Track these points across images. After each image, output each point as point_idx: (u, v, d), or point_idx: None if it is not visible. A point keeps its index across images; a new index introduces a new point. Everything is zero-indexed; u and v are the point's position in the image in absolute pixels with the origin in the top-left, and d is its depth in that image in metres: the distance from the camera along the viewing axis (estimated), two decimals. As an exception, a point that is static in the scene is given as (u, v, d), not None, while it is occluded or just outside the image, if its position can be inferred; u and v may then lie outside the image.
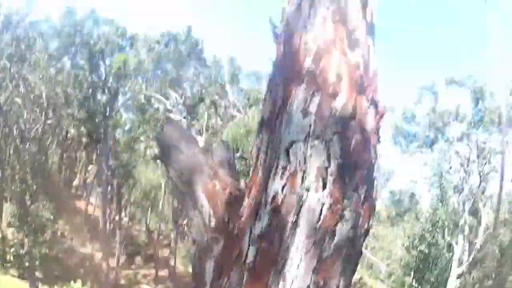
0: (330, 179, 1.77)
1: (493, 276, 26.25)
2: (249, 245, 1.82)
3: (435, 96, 30.56)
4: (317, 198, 1.75)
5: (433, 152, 31.07)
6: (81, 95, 32.24)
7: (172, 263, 41.88)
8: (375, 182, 1.99)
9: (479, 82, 27.39)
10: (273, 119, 1.96)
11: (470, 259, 25.97)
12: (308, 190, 1.77)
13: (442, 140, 30.98)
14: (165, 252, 48.94)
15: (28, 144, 28.92)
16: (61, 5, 39.45)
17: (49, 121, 40.90)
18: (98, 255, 40.71)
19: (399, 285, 24.48)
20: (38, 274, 31.31)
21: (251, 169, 2.10)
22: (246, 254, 1.83)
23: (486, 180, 28.56)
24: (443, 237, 23.46)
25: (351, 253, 1.83)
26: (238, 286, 1.84)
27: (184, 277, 45.70)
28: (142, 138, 40.12)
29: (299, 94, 1.90)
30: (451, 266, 25.90)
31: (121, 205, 45.85)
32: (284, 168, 1.83)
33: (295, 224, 1.75)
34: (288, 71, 2.01)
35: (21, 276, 32.36)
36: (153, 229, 53.91)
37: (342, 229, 1.76)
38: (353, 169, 1.82)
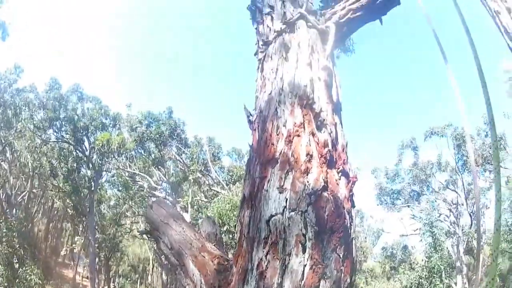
0: (308, 244, 1.96)
1: None
2: None
3: (415, 152, 31.39)
4: (298, 261, 1.93)
5: (420, 204, 31.46)
6: (66, 167, 32.16)
7: None
8: (353, 241, 2.21)
9: (458, 129, 28.28)
10: (253, 196, 2.21)
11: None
12: (289, 255, 1.95)
13: (427, 192, 31.48)
14: None
15: (14, 209, 28.24)
16: (46, 74, 40.23)
17: (34, 190, 40.47)
18: None
19: None
20: None
21: (237, 241, 2.30)
22: None
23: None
24: (441, 281, 23.12)
25: None
26: None
27: None
28: (128, 213, 39.83)
29: (274, 173, 2.17)
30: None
31: (109, 276, 44.63)
32: (266, 238, 2.04)
33: (280, 285, 1.91)
34: (263, 154, 2.29)
35: None
36: None
37: (325, 286, 1.92)
38: (329, 233, 2.02)
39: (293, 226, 2.02)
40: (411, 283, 22.28)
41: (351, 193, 2.37)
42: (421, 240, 24.29)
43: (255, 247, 2.07)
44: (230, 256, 2.50)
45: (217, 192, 28.62)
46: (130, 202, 36.00)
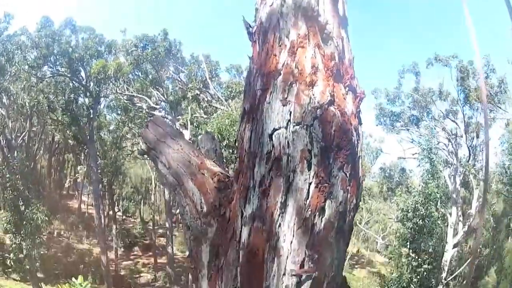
0: (314, 160, 1.86)
1: (489, 245, 26.92)
2: (242, 226, 1.94)
3: (417, 77, 31.02)
4: (303, 178, 1.84)
5: (419, 129, 31.64)
6: (63, 100, 32.10)
7: (169, 250, 42.24)
8: (360, 160, 2.11)
9: (464, 61, 27.84)
10: (255, 109, 2.07)
11: (466, 229, 26.65)
12: (294, 171, 1.86)
13: (427, 118, 31.55)
14: (162, 241, 49.45)
15: (15, 151, 28.65)
16: (38, 16, 38.99)
17: (34, 128, 40.72)
18: (96, 250, 41.07)
19: (397, 256, 24.74)
20: (39, 274, 31.59)
21: (238, 157, 2.20)
22: (240, 235, 1.94)
23: (475, 154, 29.31)
24: (437, 209, 23.83)
25: (342, 227, 1.93)
26: (235, 265, 1.97)
27: (182, 262, 46.11)
28: (128, 135, 40.17)
29: (277, 85, 2.01)
30: (446, 237, 26.56)
31: (113, 201, 46.07)
32: (269, 153, 1.93)
33: (284, 203, 1.84)
34: (265, 65, 2.11)
35: (23, 279, 32.82)
36: (148, 220, 54.16)
37: (331, 206, 1.85)
38: (335, 151, 1.91)
39: (297, 141, 1.90)
40: (408, 207, 22.83)
41: (358, 110, 2.22)
42: (419, 165, 24.62)
43: (257, 163, 1.97)
44: (230, 172, 2.41)
45: (216, 108, 28.74)
46: (130, 125, 36.45)
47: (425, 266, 22.15)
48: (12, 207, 24.74)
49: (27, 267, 26.30)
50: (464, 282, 27.43)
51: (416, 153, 28.18)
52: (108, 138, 41.33)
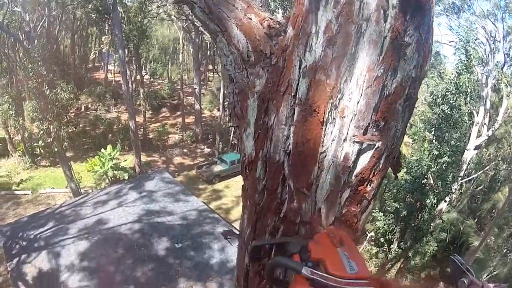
0: (391, 12, 1.50)
1: (508, 161, 26.91)
2: (299, 78, 1.62)
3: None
4: (378, 30, 1.50)
5: (459, 20, 29.87)
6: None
7: (197, 108, 43.50)
8: (433, 25, 1.75)
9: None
10: None
11: (490, 133, 26.37)
12: (367, 20, 1.51)
13: (468, 12, 29.70)
14: (190, 100, 50.66)
15: (35, 40, 28.12)
16: None
17: (53, 13, 39.76)
18: (124, 117, 42.38)
19: (420, 139, 25.05)
20: (68, 154, 33.20)
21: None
22: (297, 88, 1.63)
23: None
24: (466, 103, 23.38)
25: (411, 95, 1.66)
26: (288, 124, 1.70)
27: (209, 121, 47.77)
28: (154, -3, 39.06)
29: None
30: (470, 135, 26.42)
31: (140, 65, 46.30)
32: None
33: (354, 55, 1.51)
34: None
35: (52, 164, 34.84)
36: (176, 80, 54.92)
37: (405, 67, 1.56)
38: (413, 8, 1.54)
39: (375, -13, 1.50)
40: (438, 92, 22.41)
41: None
42: (455, 53, 23.51)
43: (323, 5, 1.58)
44: (280, 18, 2.04)
45: None
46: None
47: (445, 158, 22.30)
48: (37, 95, 24.82)
49: (55, 149, 26.88)
50: (478, 188, 27.92)
51: (453, 41, 27.20)
52: (133, 4, 39.97)
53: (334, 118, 1.57)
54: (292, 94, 1.64)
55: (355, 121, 1.56)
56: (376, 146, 1.62)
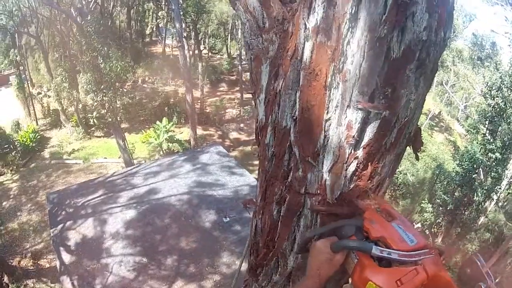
0: None
1: None
2: (304, 41, 1.59)
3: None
4: None
5: (514, 10, 27.81)
6: None
7: None
8: None
9: None
10: None
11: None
12: None
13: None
14: (248, 76, 50.33)
15: (89, 16, 28.06)
16: None
17: None
18: (182, 91, 41.99)
19: (474, 131, 23.85)
20: (123, 125, 33.04)
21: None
22: (302, 52, 1.61)
23: None
24: (521, 97, 22.00)
25: (424, 61, 1.49)
26: (294, 89, 1.69)
27: None
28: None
29: None
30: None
31: (198, 40, 45.72)
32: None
33: (355, 15, 1.42)
34: None
35: (106, 135, 35.02)
36: (235, 55, 54.81)
37: (413, 29, 1.41)
38: None
39: None
40: (493, 84, 21.23)
41: None
42: (509, 45, 22.11)
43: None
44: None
45: None
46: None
47: (497, 154, 21.09)
48: (91, 68, 24.28)
49: (109, 120, 26.80)
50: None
51: (507, 33, 25.32)
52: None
53: (338, 83, 1.52)
54: (298, 58, 1.62)
55: (358, 86, 1.48)
56: (382, 115, 1.53)
